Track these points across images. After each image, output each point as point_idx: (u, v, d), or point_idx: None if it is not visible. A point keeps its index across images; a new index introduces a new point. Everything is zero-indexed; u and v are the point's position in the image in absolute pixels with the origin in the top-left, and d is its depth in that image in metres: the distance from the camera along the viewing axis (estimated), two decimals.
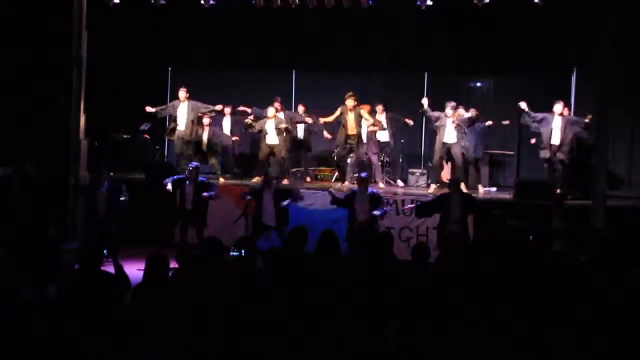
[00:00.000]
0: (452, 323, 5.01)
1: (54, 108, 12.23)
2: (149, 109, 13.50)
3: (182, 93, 13.31)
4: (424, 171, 13.75)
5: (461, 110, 12.63)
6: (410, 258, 6.35)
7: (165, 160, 14.67)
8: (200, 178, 11.08)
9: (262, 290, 5.44)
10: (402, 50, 14.26)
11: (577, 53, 13.32)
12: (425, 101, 12.51)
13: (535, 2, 11.84)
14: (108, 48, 14.05)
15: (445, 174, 12.85)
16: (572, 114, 12.43)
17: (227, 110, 13.93)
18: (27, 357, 4.74)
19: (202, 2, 12.90)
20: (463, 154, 12.37)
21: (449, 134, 12.31)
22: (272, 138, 12.82)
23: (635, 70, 12.61)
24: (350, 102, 12.40)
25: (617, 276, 5.82)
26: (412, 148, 14.71)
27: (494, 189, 13.01)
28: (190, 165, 11.30)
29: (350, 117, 12.49)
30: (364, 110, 12.70)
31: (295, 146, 13.63)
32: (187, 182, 10.97)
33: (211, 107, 13.39)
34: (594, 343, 4.92)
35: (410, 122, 13.59)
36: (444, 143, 12.33)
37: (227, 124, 14.08)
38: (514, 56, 13.84)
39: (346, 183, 12.71)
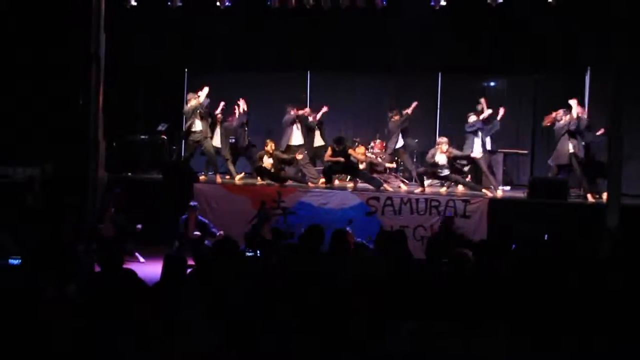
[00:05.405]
0: (468, 324, 5.04)
1: (73, 108, 12.40)
2: None
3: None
4: None
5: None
6: (424, 257, 6.41)
7: (183, 159, 14.62)
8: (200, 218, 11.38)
9: (277, 288, 5.49)
10: (415, 51, 14.28)
11: (591, 53, 13.29)
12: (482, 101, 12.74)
13: (549, 2, 11.84)
14: (125, 49, 14.19)
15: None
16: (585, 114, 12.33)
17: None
18: (47, 356, 4.81)
19: (218, 3, 13.02)
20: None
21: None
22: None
23: None
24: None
25: (631, 275, 5.84)
26: (424, 147, 14.71)
27: (508, 187, 13.01)
28: (192, 204, 11.50)
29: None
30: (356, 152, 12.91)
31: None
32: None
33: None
34: (609, 344, 4.95)
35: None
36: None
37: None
38: (528, 56, 13.81)
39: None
